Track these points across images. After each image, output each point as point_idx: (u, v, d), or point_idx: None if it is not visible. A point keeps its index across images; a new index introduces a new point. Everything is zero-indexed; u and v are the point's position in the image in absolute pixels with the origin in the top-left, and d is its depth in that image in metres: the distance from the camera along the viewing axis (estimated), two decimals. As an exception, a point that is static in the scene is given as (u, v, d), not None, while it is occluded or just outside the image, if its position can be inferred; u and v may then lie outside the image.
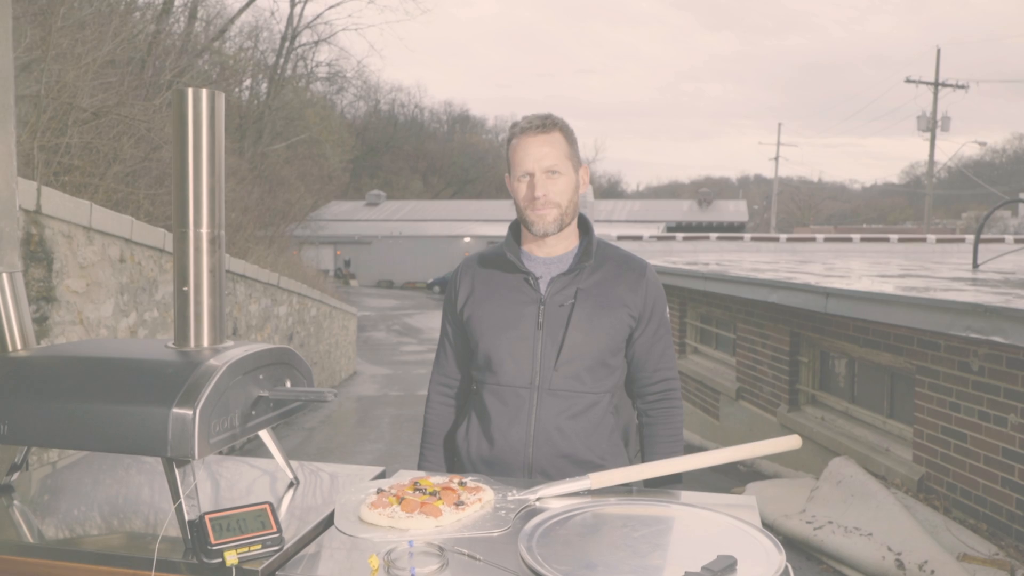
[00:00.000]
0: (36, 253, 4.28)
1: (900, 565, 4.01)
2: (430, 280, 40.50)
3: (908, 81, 31.13)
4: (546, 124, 2.07)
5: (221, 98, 1.65)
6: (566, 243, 2.15)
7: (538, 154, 2.05)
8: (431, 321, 25.32)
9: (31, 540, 1.56)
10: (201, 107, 1.62)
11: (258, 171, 18.19)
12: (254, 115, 21.42)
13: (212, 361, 1.57)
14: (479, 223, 44.60)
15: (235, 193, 9.47)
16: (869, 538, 4.29)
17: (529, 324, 2.07)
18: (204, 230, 1.64)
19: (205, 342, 1.68)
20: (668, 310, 2.21)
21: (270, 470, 2.01)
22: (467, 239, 43.11)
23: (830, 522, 4.58)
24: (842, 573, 4.32)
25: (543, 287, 2.10)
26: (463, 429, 2.20)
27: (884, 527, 4.33)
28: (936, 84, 31.11)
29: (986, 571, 3.94)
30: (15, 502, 1.75)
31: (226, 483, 1.92)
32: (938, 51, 31.65)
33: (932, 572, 3.89)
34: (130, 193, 7.63)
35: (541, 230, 2.07)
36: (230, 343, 1.72)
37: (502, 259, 2.16)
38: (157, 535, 1.56)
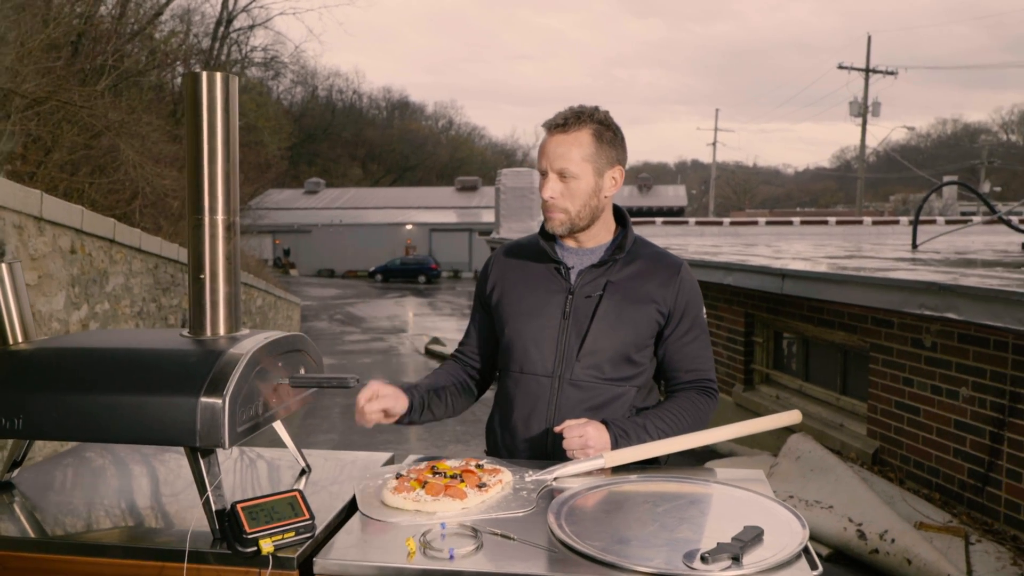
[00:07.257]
0: (-11, 245, 4.13)
1: (862, 535, 4.16)
2: (372, 268, 40.13)
3: (840, 67, 31.96)
4: (568, 122, 1.97)
5: (235, 82, 1.62)
6: (600, 236, 2.09)
7: (552, 154, 1.97)
8: (374, 310, 25.10)
9: (33, 535, 1.53)
10: (216, 91, 1.59)
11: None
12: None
13: (234, 350, 1.55)
14: (420, 210, 44.22)
15: (177, 182, 9.23)
16: (830, 511, 4.43)
17: (555, 313, 2.03)
18: (220, 216, 1.62)
19: (221, 330, 1.66)
20: (705, 312, 2.13)
21: (272, 458, 2.00)
22: (409, 226, 42.75)
23: (791, 496, 4.72)
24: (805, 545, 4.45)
25: (573, 277, 2.06)
26: (490, 420, 2.19)
27: (844, 499, 4.48)
28: (867, 70, 31.99)
29: (942, 538, 4.12)
30: (15, 498, 1.71)
31: (235, 473, 1.90)
32: (868, 38, 32.70)
33: (892, 540, 4.05)
34: (72, 182, 7.39)
35: (550, 230, 2.04)
36: (245, 331, 1.70)
37: (535, 248, 2.11)
38: (178, 527, 1.54)
